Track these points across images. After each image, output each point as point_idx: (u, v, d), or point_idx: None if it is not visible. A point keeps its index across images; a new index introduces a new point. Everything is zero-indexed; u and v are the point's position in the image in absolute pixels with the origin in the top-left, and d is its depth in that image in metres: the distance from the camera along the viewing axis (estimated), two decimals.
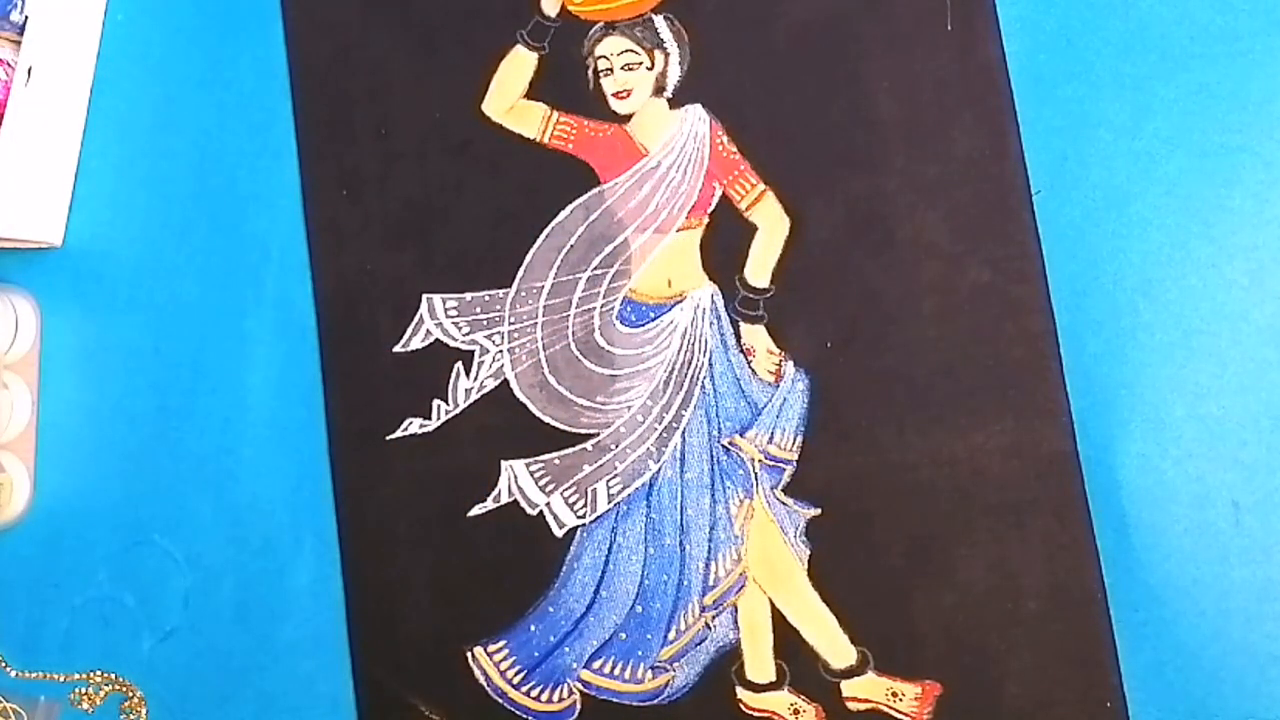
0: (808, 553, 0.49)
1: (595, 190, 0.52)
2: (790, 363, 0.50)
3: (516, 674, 0.52)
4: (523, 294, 0.52)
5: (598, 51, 0.52)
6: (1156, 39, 0.48)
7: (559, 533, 0.52)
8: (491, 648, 0.52)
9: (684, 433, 0.51)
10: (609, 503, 0.51)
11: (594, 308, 0.52)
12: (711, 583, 0.50)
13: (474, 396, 0.53)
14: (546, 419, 0.52)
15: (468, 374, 0.53)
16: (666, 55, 0.52)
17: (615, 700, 0.51)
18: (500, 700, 0.52)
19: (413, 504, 0.53)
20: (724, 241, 0.51)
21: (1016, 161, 0.48)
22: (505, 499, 0.52)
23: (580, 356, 0.52)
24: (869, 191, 0.49)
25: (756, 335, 0.50)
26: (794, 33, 0.51)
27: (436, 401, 0.53)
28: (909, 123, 0.49)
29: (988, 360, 0.48)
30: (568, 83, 0.53)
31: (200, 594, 0.55)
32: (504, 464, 0.52)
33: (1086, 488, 0.47)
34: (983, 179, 0.48)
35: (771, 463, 0.50)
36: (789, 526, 0.50)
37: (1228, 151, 0.48)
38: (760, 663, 0.50)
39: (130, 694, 0.56)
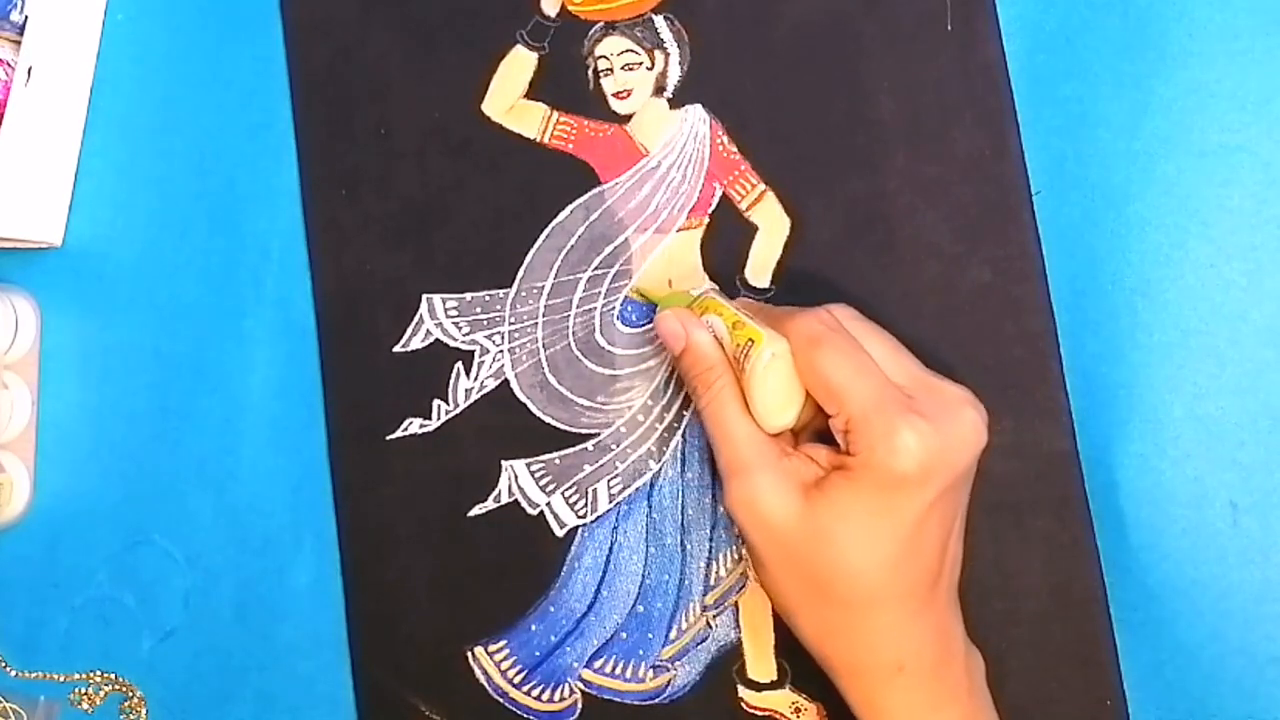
0: None
1: (595, 190, 0.52)
2: None
3: (517, 674, 0.52)
4: (523, 294, 0.52)
5: (598, 51, 0.52)
6: (1155, 37, 0.48)
7: (560, 532, 0.52)
8: (492, 647, 0.52)
9: (684, 433, 0.51)
10: (610, 503, 0.51)
11: (595, 308, 0.52)
12: (713, 582, 0.50)
13: (474, 396, 0.53)
14: (547, 419, 0.52)
15: (468, 374, 0.53)
16: (666, 55, 0.52)
17: (616, 700, 0.51)
18: (501, 700, 0.52)
19: (413, 504, 0.53)
20: (724, 242, 0.51)
21: (1016, 161, 0.48)
22: (506, 499, 0.52)
23: (581, 356, 0.52)
24: (869, 192, 0.49)
25: None
26: (794, 33, 0.51)
27: (436, 401, 0.53)
28: (909, 123, 0.49)
29: (988, 360, 0.48)
30: (568, 83, 0.53)
31: (200, 594, 0.55)
32: (504, 464, 0.52)
33: (1086, 488, 0.47)
34: (983, 179, 0.49)
35: None
36: None
37: (1226, 151, 0.48)
38: (762, 662, 0.50)
39: (130, 694, 0.56)
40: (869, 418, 0.40)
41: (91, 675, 0.56)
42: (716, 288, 0.50)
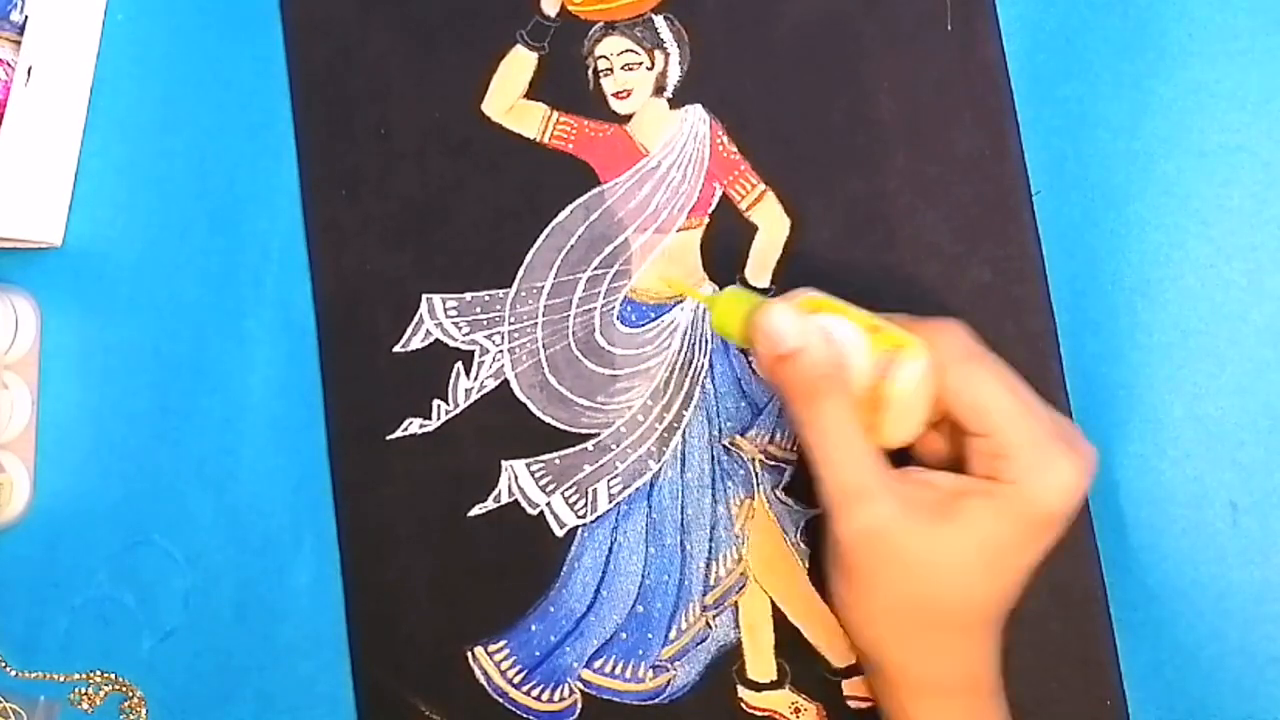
0: (808, 552, 0.49)
1: (595, 190, 0.52)
2: None
3: (517, 674, 0.52)
4: (523, 294, 0.52)
5: (598, 51, 0.52)
6: (1155, 37, 0.48)
7: (559, 532, 0.52)
8: (492, 648, 0.52)
9: (684, 433, 0.51)
10: (610, 503, 0.51)
11: (594, 308, 0.52)
12: (712, 582, 0.50)
13: (474, 396, 0.53)
14: (547, 419, 0.52)
15: (468, 374, 0.53)
16: (666, 55, 0.52)
17: (616, 700, 0.51)
18: (501, 700, 0.52)
19: (413, 504, 0.53)
20: (724, 241, 0.51)
21: (1016, 161, 0.48)
22: (506, 499, 0.52)
23: (581, 356, 0.52)
24: (869, 191, 0.49)
25: None
26: (794, 33, 0.51)
27: (436, 401, 0.53)
28: (909, 123, 0.49)
29: None
30: (568, 83, 0.53)
31: (200, 594, 0.55)
32: (504, 464, 0.52)
33: None
34: (983, 179, 0.49)
35: (772, 463, 0.50)
36: (790, 526, 0.50)
37: (1226, 151, 0.48)
38: (761, 662, 0.50)
39: (130, 694, 0.56)
40: (1027, 448, 0.38)
41: (91, 675, 0.56)
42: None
